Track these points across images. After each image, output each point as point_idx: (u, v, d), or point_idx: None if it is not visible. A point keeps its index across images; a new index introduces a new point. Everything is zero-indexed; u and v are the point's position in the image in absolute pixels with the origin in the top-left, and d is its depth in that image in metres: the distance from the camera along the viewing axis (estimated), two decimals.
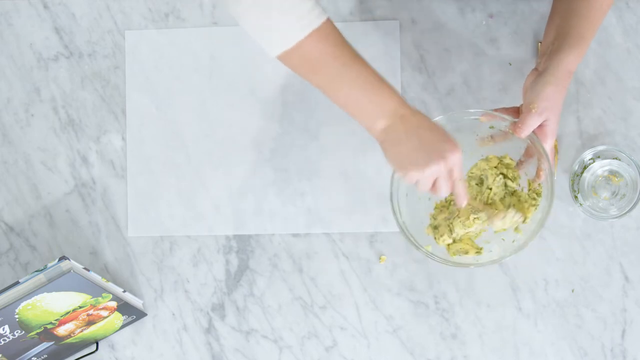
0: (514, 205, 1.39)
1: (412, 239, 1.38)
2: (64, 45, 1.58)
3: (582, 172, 1.48)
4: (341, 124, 1.52)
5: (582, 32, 1.33)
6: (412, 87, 1.52)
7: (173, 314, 1.54)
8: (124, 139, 1.56)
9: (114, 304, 1.48)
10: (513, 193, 1.40)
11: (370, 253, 1.52)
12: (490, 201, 1.40)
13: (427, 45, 1.53)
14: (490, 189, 1.40)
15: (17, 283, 1.39)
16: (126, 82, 1.57)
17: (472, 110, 1.38)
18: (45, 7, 1.59)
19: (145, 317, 1.54)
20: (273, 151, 1.54)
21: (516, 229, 1.39)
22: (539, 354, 1.49)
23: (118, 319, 1.51)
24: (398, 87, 1.52)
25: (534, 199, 1.38)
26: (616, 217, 1.46)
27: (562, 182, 1.50)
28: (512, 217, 1.38)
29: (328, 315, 1.52)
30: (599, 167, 1.48)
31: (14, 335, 1.43)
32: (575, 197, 1.47)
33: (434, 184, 1.28)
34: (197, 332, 1.54)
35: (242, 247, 1.54)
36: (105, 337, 1.55)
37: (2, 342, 1.43)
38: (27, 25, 1.59)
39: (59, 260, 1.39)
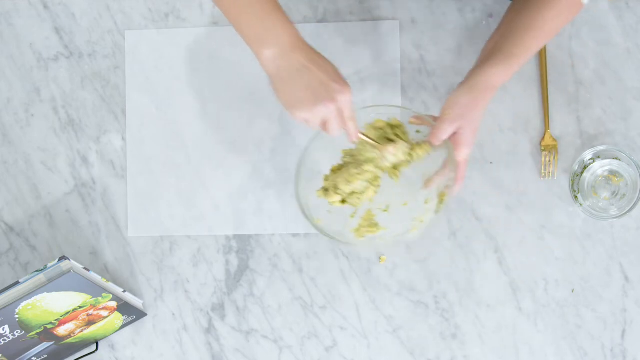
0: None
1: (308, 214, 1.39)
2: (64, 45, 1.58)
3: (582, 172, 1.48)
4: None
5: (513, 51, 1.33)
6: (412, 87, 1.52)
7: (173, 314, 1.54)
8: (124, 139, 1.56)
9: (114, 304, 1.48)
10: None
11: (370, 253, 1.52)
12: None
13: (427, 45, 1.53)
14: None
15: (17, 283, 1.39)
16: (126, 82, 1.57)
17: (400, 107, 1.40)
18: (45, 7, 1.59)
19: (145, 317, 1.55)
20: (273, 151, 1.54)
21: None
22: (539, 354, 1.49)
23: (118, 319, 1.51)
24: (398, 87, 1.52)
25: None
26: (616, 217, 1.46)
27: (562, 182, 1.50)
28: (402, 149, 1.38)
29: (328, 315, 1.52)
30: (599, 167, 1.48)
31: (14, 335, 1.43)
32: (575, 197, 1.47)
33: (325, 123, 1.28)
34: (197, 332, 1.54)
35: (242, 247, 1.54)
36: (105, 337, 1.55)
37: (2, 342, 1.43)
38: (27, 25, 1.59)
39: (59, 260, 1.39)
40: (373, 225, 1.42)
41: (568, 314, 1.49)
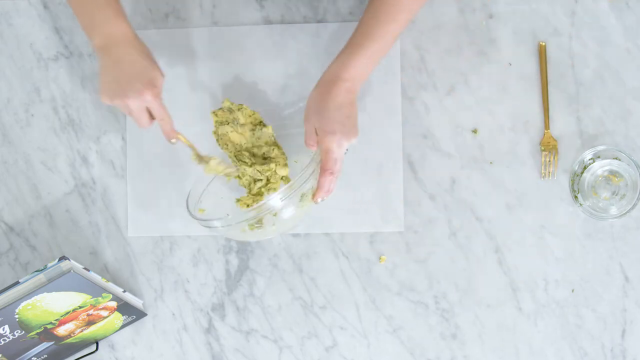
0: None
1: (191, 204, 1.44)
2: (64, 45, 1.58)
3: (582, 172, 1.48)
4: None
5: (358, 41, 1.36)
6: (412, 87, 1.52)
7: (173, 314, 1.54)
8: (124, 139, 1.56)
9: (114, 304, 1.48)
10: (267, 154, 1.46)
11: (370, 253, 1.52)
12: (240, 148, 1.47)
13: (427, 45, 1.53)
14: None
15: (17, 283, 1.39)
16: None
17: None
18: (45, 7, 1.59)
19: (145, 317, 1.54)
20: None
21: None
22: (539, 354, 1.49)
23: (118, 319, 1.51)
24: (398, 88, 1.52)
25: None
26: (616, 217, 1.46)
27: (562, 182, 1.50)
28: (217, 164, 1.44)
29: (328, 315, 1.52)
30: (599, 167, 1.48)
31: (14, 335, 1.43)
32: (575, 197, 1.47)
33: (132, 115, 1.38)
34: (197, 332, 1.54)
35: (242, 247, 1.54)
36: (105, 337, 1.55)
37: (2, 342, 1.43)
38: (27, 25, 1.59)
39: (59, 260, 1.39)
40: (259, 194, 1.46)
41: (568, 314, 1.49)
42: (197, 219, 1.41)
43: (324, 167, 1.36)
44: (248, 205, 1.45)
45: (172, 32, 1.57)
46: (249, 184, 1.46)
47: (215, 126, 1.48)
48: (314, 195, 1.38)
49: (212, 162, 1.44)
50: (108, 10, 1.37)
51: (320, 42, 1.54)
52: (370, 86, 1.53)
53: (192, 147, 1.44)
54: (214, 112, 1.48)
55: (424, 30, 1.53)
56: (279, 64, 1.55)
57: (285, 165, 1.45)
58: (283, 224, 1.39)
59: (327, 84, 1.37)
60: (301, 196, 1.37)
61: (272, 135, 1.46)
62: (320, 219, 1.52)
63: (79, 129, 1.57)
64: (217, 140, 1.48)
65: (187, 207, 1.44)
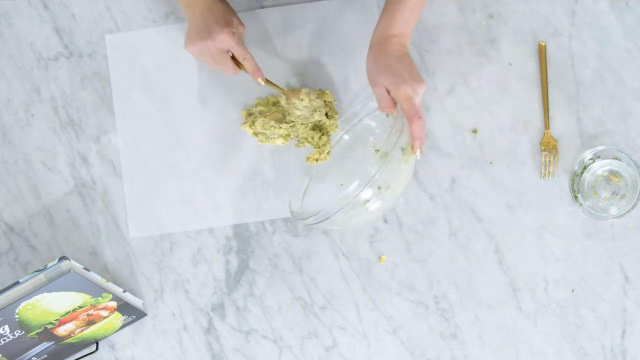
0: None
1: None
2: (64, 45, 1.58)
3: (582, 172, 1.48)
4: (340, 122, 1.52)
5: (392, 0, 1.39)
6: None
7: (173, 314, 1.54)
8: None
9: (114, 304, 1.48)
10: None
11: (370, 253, 1.52)
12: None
13: (427, 45, 1.53)
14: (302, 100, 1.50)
15: (17, 283, 1.39)
16: (125, 82, 1.56)
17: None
18: (45, 7, 1.59)
19: (145, 317, 1.55)
20: (273, 151, 1.54)
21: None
22: (539, 354, 1.49)
23: (118, 319, 1.51)
24: None
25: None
26: (616, 217, 1.46)
27: (562, 182, 1.50)
28: (307, 94, 1.47)
29: (328, 315, 1.52)
30: (599, 167, 1.48)
31: (14, 335, 1.43)
32: (575, 197, 1.47)
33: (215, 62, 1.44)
34: (197, 332, 1.54)
35: (242, 247, 1.54)
36: (105, 337, 1.55)
37: (2, 342, 1.44)
38: (27, 25, 1.59)
39: (59, 260, 1.39)
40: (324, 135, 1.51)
41: (568, 314, 1.49)
42: (313, 222, 1.39)
43: (410, 115, 1.35)
44: (317, 160, 1.50)
45: (172, 32, 1.56)
46: (313, 125, 1.50)
47: (248, 125, 1.53)
48: (413, 147, 1.37)
49: (303, 93, 1.48)
50: None
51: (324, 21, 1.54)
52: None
53: (277, 87, 1.48)
54: (246, 125, 1.53)
55: (424, 30, 1.53)
56: (278, 64, 1.55)
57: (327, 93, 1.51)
58: (395, 186, 1.38)
59: (378, 45, 1.38)
60: (402, 150, 1.36)
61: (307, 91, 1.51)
62: None
63: (79, 129, 1.57)
64: (260, 133, 1.52)
65: (294, 217, 1.43)
